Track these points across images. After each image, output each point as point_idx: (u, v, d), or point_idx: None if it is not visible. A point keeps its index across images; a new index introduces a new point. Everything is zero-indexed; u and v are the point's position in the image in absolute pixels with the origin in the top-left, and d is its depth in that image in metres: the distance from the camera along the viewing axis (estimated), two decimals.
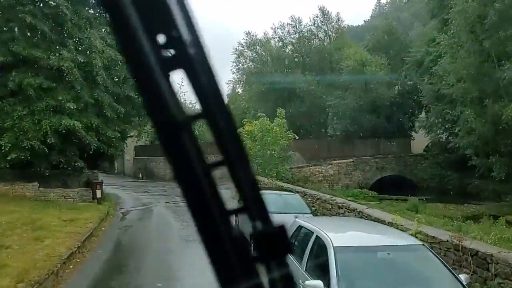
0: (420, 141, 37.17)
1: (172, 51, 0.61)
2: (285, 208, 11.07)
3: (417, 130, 33.46)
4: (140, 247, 11.55)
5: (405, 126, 36.96)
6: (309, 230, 6.09)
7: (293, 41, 36.57)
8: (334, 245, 5.15)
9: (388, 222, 7.35)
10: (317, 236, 5.71)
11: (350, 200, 21.59)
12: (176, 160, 0.61)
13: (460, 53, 22.21)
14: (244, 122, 23.24)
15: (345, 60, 32.84)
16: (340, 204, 11.10)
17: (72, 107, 17.11)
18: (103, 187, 26.88)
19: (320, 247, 5.45)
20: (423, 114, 35.97)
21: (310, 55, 35.88)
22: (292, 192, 13.06)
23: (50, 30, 18.22)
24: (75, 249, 10.33)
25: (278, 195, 11.97)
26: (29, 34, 18.03)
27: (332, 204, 11.71)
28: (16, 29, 17.46)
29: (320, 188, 26.57)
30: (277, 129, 21.82)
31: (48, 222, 13.05)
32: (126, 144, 23.55)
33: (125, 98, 20.48)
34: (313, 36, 36.72)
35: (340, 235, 5.74)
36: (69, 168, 18.08)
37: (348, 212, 10.30)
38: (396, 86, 36.10)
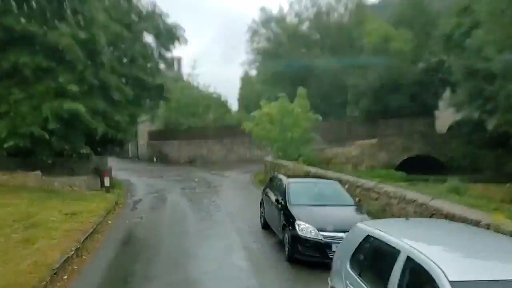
0: (443, 120, 34.53)
1: None
2: (322, 199, 8.94)
3: (445, 107, 30.58)
4: (151, 247, 9.55)
5: (429, 105, 34.26)
6: (390, 245, 3.91)
7: (311, 16, 33.82)
8: (450, 279, 3.01)
9: (486, 224, 5.13)
10: (409, 258, 3.54)
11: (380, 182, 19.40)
12: None
13: (504, 20, 19.42)
14: (262, 104, 20.97)
15: (366, 37, 30.04)
16: (392, 193, 8.84)
17: (75, 90, 15.09)
18: (115, 173, 25.16)
19: (421, 279, 3.30)
20: (447, 93, 33.24)
21: (328, 31, 33.14)
22: (327, 178, 10.89)
23: (46, 1, 16.10)
24: (72, 252, 8.40)
25: (313, 184, 9.80)
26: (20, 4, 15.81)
27: (379, 193, 9.48)
28: None
29: (343, 170, 24.39)
30: (299, 110, 19.53)
31: (46, 217, 11.17)
32: (136, 129, 21.58)
33: (134, 79, 18.41)
34: (332, 11, 33.93)
35: (450, 258, 3.54)
36: (74, 155, 16.17)
37: (404, 204, 8.11)
38: (420, 63, 33.25)
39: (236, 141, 32.22)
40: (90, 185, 16.44)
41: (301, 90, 20.18)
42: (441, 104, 29.91)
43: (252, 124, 20.58)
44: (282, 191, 9.36)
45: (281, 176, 10.42)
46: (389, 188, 9.50)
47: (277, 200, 9.12)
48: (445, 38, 29.02)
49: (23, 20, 15.31)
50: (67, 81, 15.15)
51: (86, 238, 9.71)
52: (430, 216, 7.29)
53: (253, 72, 45.37)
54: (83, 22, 16.87)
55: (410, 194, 8.30)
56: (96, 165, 18.38)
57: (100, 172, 16.84)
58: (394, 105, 31.22)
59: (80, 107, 14.82)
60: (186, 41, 19.86)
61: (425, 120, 33.75)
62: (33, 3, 15.62)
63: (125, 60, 17.96)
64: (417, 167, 26.83)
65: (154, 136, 35.67)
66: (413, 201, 7.86)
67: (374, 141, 28.47)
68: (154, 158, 33.77)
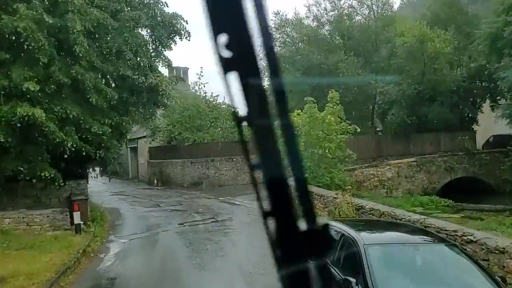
0: (479, 135, 30.02)
1: (230, 53, 0.61)
2: (438, 283, 4.42)
3: (495, 120, 25.84)
4: None
5: (466, 117, 29.72)
6: None
7: (331, 19, 29.73)
8: None
9: None
10: None
11: (418, 212, 14.92)
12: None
13: None
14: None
15: (398, 38, 25.79)
16: None
17: (33, 89, 10.88)
18: (106, 199, 20.87)
19: None
20: (487, 102, 28.75)
21: (352, 35, 28.96)
22: (406, 223, 6.34)
23: None
24: None
25: (411, 249, 5.17)
26: None
27: None
28: None
29: (377, 198, 19.88)
30: (332, 119, 15.11)
31: None
32: (125, 143, 17.22)
33: (120, 79, 14.17)
34: (355, 13, 29.86)
35: None
36: (35, 180, 11.83)
37: None
38: (458, 69, 28.85)
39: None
40: (57, 222, 12.02)
41: (333, 94, 15.74)
42: (498, 113, 25.13)
43: None
44: (352, 262, 4.84)
45: (344, 228, 5.82)
46: None
47: (346, 282, 4.59)
48: (490, 39, 24.71)
49: None
50: (24, 77, 10.99)
51: None
52: None
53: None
54: (55, 9, 12.84)
55: None
56: (71, 192, 14.00)
57: (69, 204, 12.45)
58: (431, 117, 26.74)
59: (39, 113, 10.56)
60: (188, 35, 15.72)
61: (464, 134, 29.18)
62: None
63: (107, 52, 13.72)
64: (462, 192, 22.20)
65: (155, 153, 31.36)
66: None
67: (411, 160, 23.90)
68: (155, 180, 29.38)
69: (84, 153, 12.41)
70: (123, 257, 10.28)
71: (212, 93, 31.17)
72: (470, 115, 29.96)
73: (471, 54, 28.11)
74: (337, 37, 30.18)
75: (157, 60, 15.99)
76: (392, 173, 23.05)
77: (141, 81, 14.00)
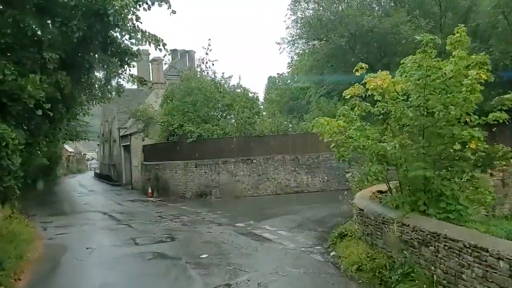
0: None
1: None
2: None
3: None
4: None
5: None
6: None
7: None
8: None
9: None
10: None
11: None
12: None
13: None
14: (361, 67, 8.11)
15: None
16: None
17: None
18: (69, 221, 13.08)
19: None
20: None
21: None
22: None
23: None
24: None
25: None
26: None
27: None
28: None
29: (481, 216, 11.65)
30: (483, 76, 6.85)
31: None
32: (63, 130, 8.97)
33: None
34: None
35: None
36: None
37: None
38: None
39: (273, 160, 19.61)
40: None
41: (461, 30, 7.41)
42: None
43: (342, 123, 7.87)
44: None
45: None
46: None
47: None
48: None
49: None
50: None
51: None
52: None
53: (290, 58, 33.27)
54: None
55: None
56: None
57: None
58: None
59: None
60: None
61: None
62: None
63: None
64: None
65: (150, 153, 23.33)
66: None
67: None
68: (149, 188, 21.42)
69: None
70: None
71: (223, 73, 23.15)
72: None
73: None
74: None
75: None
76: (494, 180, 14.72)
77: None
